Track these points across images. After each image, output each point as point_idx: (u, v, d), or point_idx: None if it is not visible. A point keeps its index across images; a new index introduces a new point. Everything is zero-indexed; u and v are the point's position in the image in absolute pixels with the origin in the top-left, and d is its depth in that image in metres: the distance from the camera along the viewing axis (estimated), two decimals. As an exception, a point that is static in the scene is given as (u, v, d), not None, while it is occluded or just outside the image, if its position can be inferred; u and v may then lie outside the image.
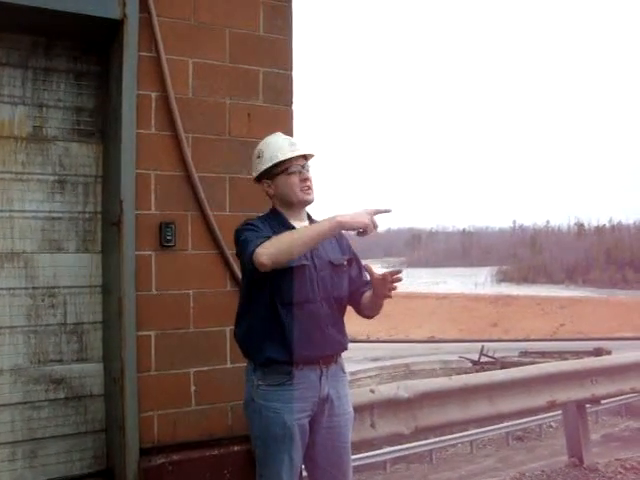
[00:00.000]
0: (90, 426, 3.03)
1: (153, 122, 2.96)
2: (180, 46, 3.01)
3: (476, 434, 12.65)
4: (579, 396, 4.56)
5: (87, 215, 3.09)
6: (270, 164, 2.39)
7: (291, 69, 3.29)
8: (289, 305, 2.27)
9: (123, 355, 2.81)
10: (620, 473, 4.51)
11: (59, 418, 2.96)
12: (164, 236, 2.95)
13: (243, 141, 3.14)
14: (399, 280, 2.28)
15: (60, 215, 3.02)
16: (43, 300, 2.96)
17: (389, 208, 2.25)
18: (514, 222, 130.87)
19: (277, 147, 2.42)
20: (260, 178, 2.45)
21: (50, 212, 3.00)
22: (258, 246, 2.13)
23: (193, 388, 3.00)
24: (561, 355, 20.33)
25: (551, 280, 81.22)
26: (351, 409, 2.48)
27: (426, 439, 11.47)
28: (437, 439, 11.86)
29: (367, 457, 10.33)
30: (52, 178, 3.01)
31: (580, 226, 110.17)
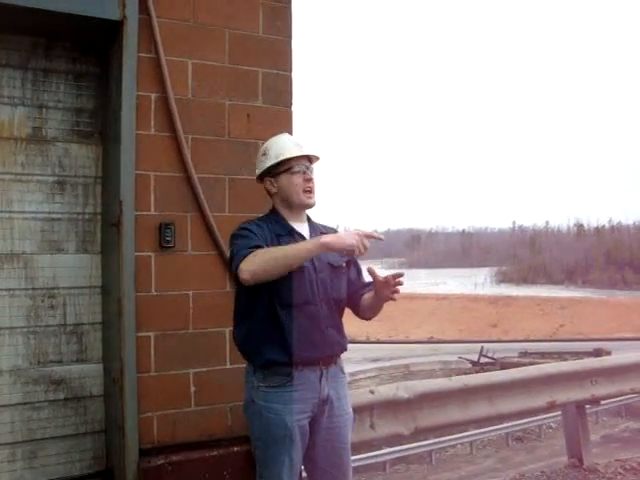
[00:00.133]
0: (90, 427, 3.03)
1: (153, 123, 2.96)
2: (180, 47, 3.02)
3: (476, 435, 12.67)
4: (579, 397, 4.56)
5: (87, 216, 3.09)
6: (275, 161, 2.39)
7: (291, 70, 3.30)
8: (289, 307, 2.27)
9: (123, 356, 2.81)
10: (620, 474, 4.50)
11: (59, 419, 2.96)
12: (164, 237, 2.95)
13: (243, 142, 3.15)
14: (401, 284, 2.28)
15: (60, 216, 3.02)
16: (43, 301, 2.97)
17: (382, 237, 2.26)
18: (514, 223, 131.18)
19: (283, 146, 2.43)
20: (263, 176, 2.45)
21: (50, 213, 3.00)
22: (242, 261, 2.15)
23: (193, 389, 3.00)
24: (561, 356, 20.35)
25: (551, 281, 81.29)
26: (350, 410, 2.48)
27: (426, 440, 11.48)
28: (437, 440, 11.87)
29: (367, 458, 10.34)
30: (52, 179, 3.01)
31: (580, 227, 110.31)
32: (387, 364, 26.12)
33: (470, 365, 23.79)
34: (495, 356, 24.01)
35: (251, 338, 2.34)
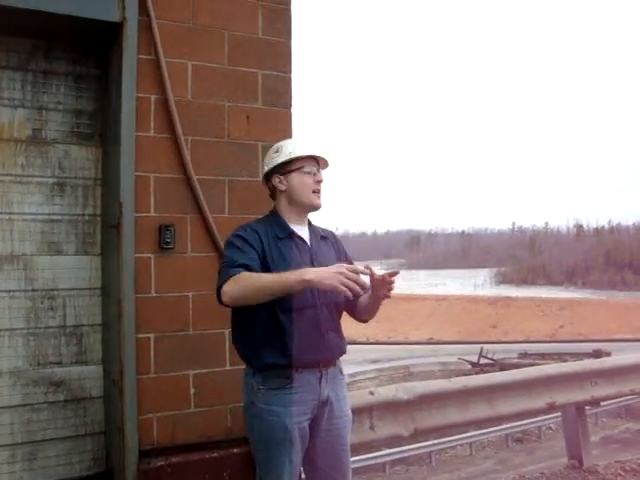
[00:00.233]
0: (89, 428, 3.03)
1: (152, 125, 2.96)
2: (179, 49, 3.02)
3: (475, 436, 12.65)
4: (578, 398, 4.56)
5: (86, 217, 3.09)
6: (288, 158, 2.39)
7: (290, 72, 3.30)
8: (289, 311, 2.26)
9: (122, 357, 2.81)
10: (620, 475, 4.50)
11: (58, 420, 2.96)
12: (163, 238, 2.95)
13: (242, 144, 3.15)
14: (393, 282, 2.28)
15: (59, 217, 3.02)
16: (42, 302, 2.97)
17: (367, 271, 2.19)
18: (513, 224, 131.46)
19: (297, 145, 2.44)
20: (272, 173, 2.43)
21: (49, 214, 3.00)
22: (226, 282, 2.15)
23: (192, 390, 3.00)
24: (560, 357, 20.33)
25: (550, 282, 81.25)
26: (350, 411, 2.47)
27: (425, 441, 11.46)
28: (436, 441, 11.84)
29: (366, 459, 10.32)
30: (51, 180, 3.01)
31: (579, 228, 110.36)
32: (386, 365, 26.08)
33: (469, 366, 23.75)
34: (495, 357, 23.97)
35: (251, 342, 2.33)
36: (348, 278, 2.08)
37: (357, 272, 2.14)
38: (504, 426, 12.67)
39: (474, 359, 24.33)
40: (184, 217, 3.02)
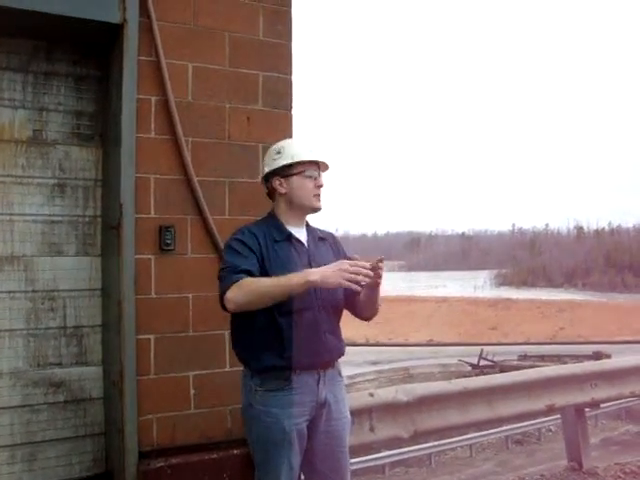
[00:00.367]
0: (89, 429, 3.03)
1: (153, 126, 2.97)
2: (180, 50, 3.02)
3: (475, 438, 12.62)
4: (578, 400, 4.56)
5: (87, 219, 3.09)
6: (291, 161, 2.38)
7: (291, 73, 3.30)
8: (288, 314, 2.26)
9: (122, 358, 2.81)
10: (619, 477, 4.50)
11: (58, 421, 2.96)
12: (163, 240, 2.95)
13: (242, 145, 3.15)
14: (382, 268, 2.27)
15: (60, 218, 3.03)
16: (43, 303, 2.97)
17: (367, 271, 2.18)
18: (513, 225, 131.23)
19: (299, 148, 2.43)
20: (272, 175, 2.43)
21: (50, 215, 3.01)
22: (229, 288, 2.15)
23: (192, 391, 3.00)
24: (560, 359, 20.29)
25: (550, 283, 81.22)
26: (348, 413, 2.48)
27: (425, 443, 11.45)
28: (436, 443, 11.82)
29: (366, 461, 10.29)
30: (52, 182, 3.01)
31: (579, 229, 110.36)
32: (386, 367, 26.02)
33: (470, 368, 23.69)
34: (495, 359, 23.93)
35: (250, 345, 2.34)
36: (350, 272, 2.10)
37: (365, 267, 2.14)
38: (504, 428, 12.65)
39: (474, 361, 24.29)
40: (184, 218, 3.02)
